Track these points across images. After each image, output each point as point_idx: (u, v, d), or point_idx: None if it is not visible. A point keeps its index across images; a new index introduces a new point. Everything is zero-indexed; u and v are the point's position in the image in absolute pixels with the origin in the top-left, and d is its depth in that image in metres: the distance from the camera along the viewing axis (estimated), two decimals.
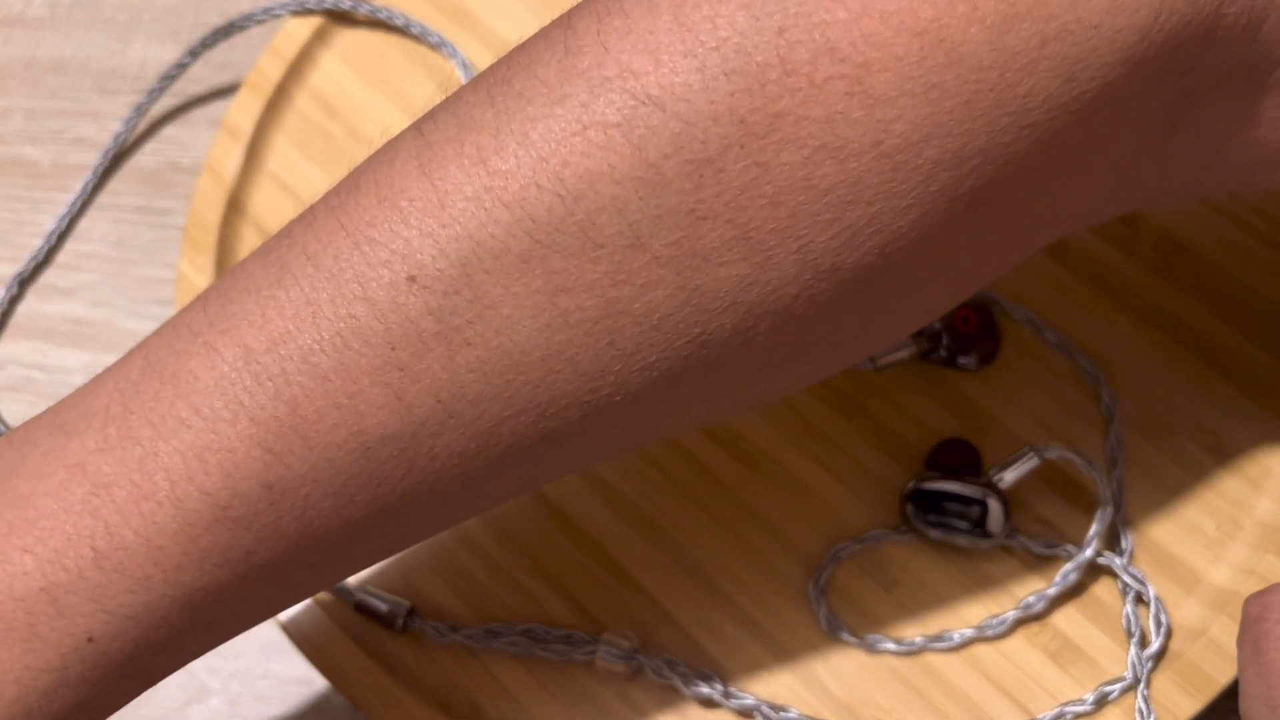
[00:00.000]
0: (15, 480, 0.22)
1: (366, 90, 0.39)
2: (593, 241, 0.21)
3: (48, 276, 0.40)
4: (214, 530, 0.21)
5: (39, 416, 0.23)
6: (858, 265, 0.22)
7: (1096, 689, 0.30)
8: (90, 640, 0.22)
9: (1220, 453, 0.32)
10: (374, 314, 0.21)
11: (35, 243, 0.40)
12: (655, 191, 0.21)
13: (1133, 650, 0.30)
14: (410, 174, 0.21)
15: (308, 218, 0.23)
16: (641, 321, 0.21)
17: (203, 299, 0.23)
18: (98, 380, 0.23)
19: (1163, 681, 0.30)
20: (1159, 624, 0.30)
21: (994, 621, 0.30)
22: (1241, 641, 0.24)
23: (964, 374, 0.34)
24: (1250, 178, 0.26)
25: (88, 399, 0.23)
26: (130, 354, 0.23)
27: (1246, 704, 0.24)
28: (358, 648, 0.31)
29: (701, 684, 0.30)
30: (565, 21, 0.22)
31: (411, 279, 0.21)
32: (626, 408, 0.23)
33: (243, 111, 0.39)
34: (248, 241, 0.37)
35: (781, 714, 0.30)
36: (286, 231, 0.23)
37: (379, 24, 0.40)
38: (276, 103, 0.39)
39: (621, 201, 0.21)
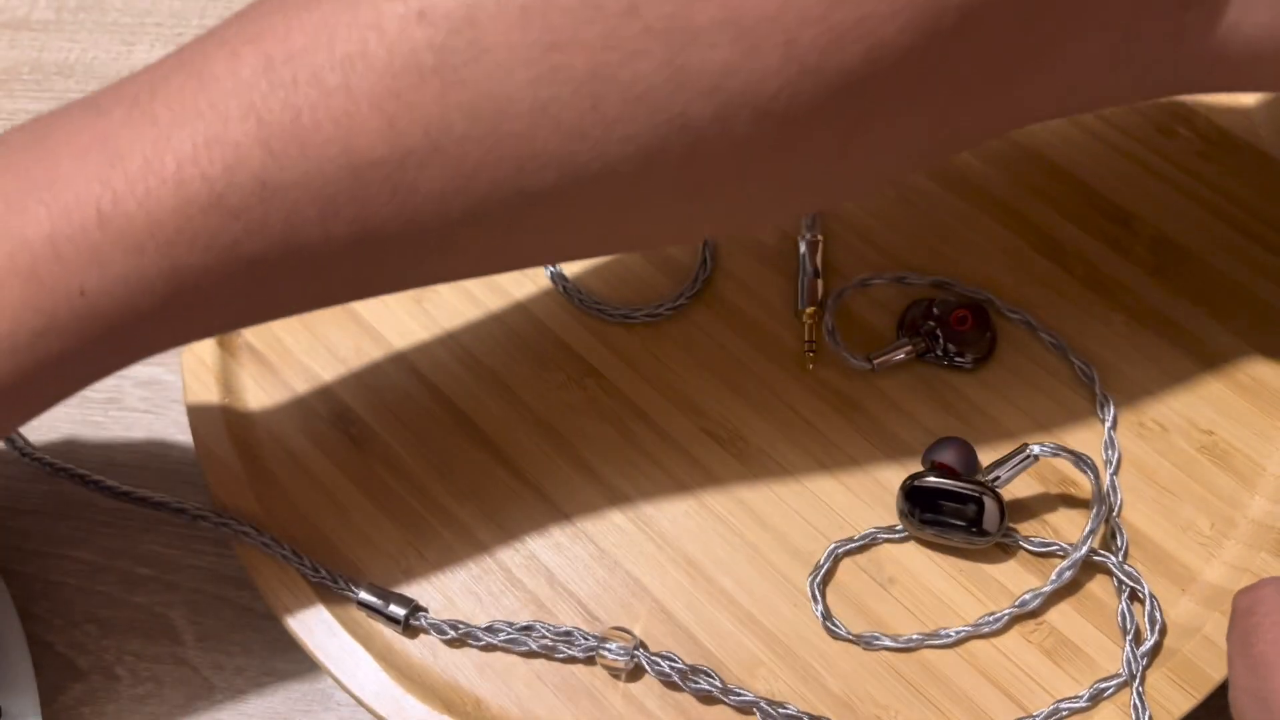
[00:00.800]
0: (46, 143, 0.24)
1: None
2: (591, 3, 0.22)
3: None
4: (208, 214, 0.23)
5: (81, 99, 0.25)
6: (841, 68, 0.22)
7: (1092, 685, 0.30)
8: (82, 293, 0.24)
9: (1214, 452, 0.33)
10: (382, 42, 0.22)
11: None
12: None
13: (1128, 647, 0.30)
14: None
15: None
16: (626, 90, 0.22)
17: (239, 15, 0.24)
18: (136, 74, 0.25)
19: (1157, 678, 0.30)
20: (1154, 621, 0.30)
21: (990, 619, 0.31)
22: (1230, 635, 0.24)
23: (960, 373, 0.34)
24: (1264, 72, 0.26)
25: (123, 86, 0.24)
26: (168, 55, 0.25)
27: (1236, 695, 0.24)
28: (362, 645, 0.31)
29: (700, 680, 0.30)
30: None
31: (421, 14, 0.22)
32: (604, 179, 0.23)
33: None
34: None
35: (780, 710, 0.30)
36: None
37: None
38: None
39: None
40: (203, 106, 0.23)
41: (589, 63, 0.22)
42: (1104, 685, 0.30)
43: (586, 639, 0.31)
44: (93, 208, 0.23)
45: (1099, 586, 0.31)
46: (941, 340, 0.34)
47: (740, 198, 0.25)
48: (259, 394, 0.35)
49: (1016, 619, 0.31)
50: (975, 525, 0.31)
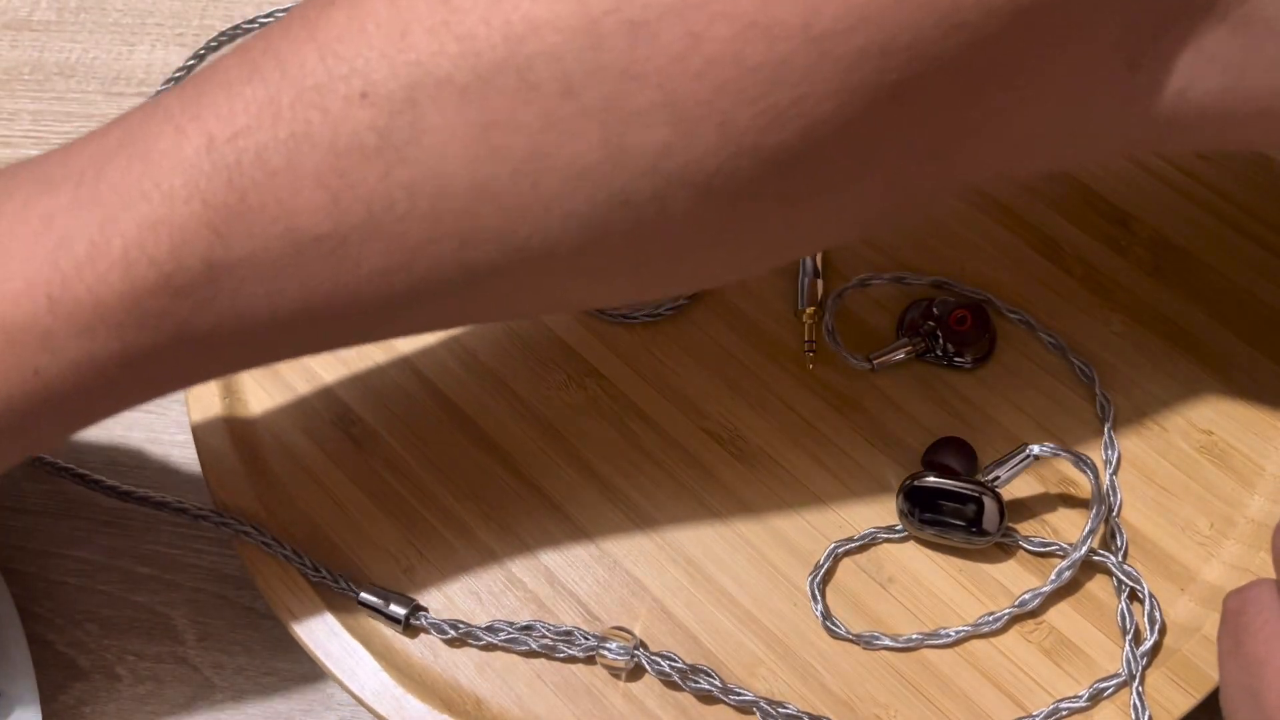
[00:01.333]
0: None
1: None
2: (528, 84, 0.22)
3: None
4: (156, 296, 0.23)
5: (26, 163, 0.25)
6: (779, 147, 0.22)
7: (1091, 685, 0.30)
8: (36, 373, 0.24)
9: (1213, 452, 0.33)
10: (326, 122, 0.22)
11: None
12: (592, 45, 0.21)
13: (1127, 647, 0.30)
14: (380, 2, 0.23)
15: (283, 26, 0.24)
16: (564, 170, 0.22)
17: (183, 85, 0.24)
18: (82, 141, 0.25)
19: (1157, 678, 0.30)
20: (1153, 621, 0.30)
21: (989, 618, 0.31)
22: (1222, 635, 0.25)
23: (960, 373, 0.34)
24: (1221, 132, 0.26)
25: (69, 157, 0.24)
26: (114, 123, 0.25)
27: (1228, 694, 0.24)
28: (362, 645, 0.31)
29: (700, 680, 0.30)
30: None
31: (364, 95, 0.22)
32: (546, 254, 0.24)
33: None
34: None
35: (780, 710, 0.30)
36: (264, 34, 0.24)
37: None
38: None
39: (559, 50, 0.21)
40: (147, 187, 0.23)
41: (527, 143, 0.22)
42: (1103, 685, 0.30)
43: (587, 638, 0.31)
44: (42, 293, 0.23)
45: (1098, 586, 0.31)
46: (941, 340, 0.34)
47: (688, 265, 0.25)
48: (260, 394, 0.35)
49: (1016, 619, 0.31)
50: (975, 525, 0.31)
